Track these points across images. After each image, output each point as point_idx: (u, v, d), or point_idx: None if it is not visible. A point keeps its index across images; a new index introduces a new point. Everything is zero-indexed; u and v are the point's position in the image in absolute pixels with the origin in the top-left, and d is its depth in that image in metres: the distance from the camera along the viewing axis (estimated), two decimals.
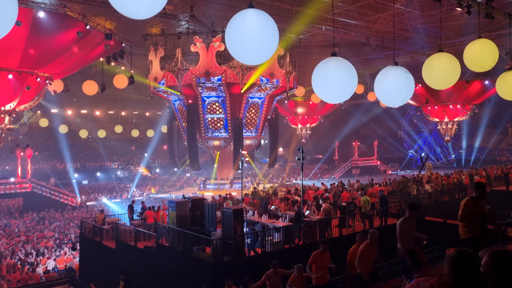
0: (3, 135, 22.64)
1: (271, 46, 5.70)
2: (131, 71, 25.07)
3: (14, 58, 18.76)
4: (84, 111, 54.51)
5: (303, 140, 48.14)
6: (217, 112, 31.32)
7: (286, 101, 42.75)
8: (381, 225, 14.53)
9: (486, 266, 2.35)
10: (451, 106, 37.25)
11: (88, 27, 18.61)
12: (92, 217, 19.75)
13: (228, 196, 19.65)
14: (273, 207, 15.97)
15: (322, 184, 23.88)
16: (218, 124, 31.63)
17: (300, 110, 46.40)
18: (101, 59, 23.79)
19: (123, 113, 57.83)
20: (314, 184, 25.66)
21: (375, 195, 16.87)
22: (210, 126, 31.63)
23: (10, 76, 19.53)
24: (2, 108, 21.09)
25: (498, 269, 2.30)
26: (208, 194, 25.78)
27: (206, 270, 11.26)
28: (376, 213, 15.27)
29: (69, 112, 51.24)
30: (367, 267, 7.06)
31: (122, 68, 29.25)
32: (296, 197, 17.05)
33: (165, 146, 48.68)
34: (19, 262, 18.32)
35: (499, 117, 48.38)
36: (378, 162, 53.45)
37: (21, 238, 22.08)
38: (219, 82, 28.85)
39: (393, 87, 7.69)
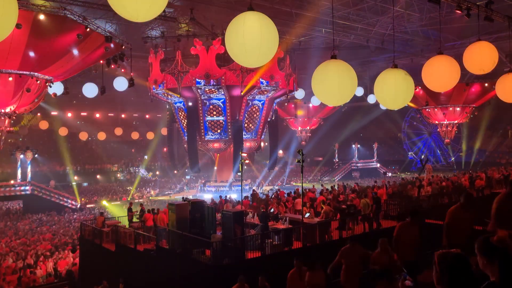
0: (3, 138, 22.59)
1: (271, 48, 5.70)
2: (131, 74, 25.07)
3: (14, 60, 18.72)
4: (84, 114, 54.54)
5: (303, 142, 48.11)
6: (217, 115, 31.33)
7: (286, 104, 42.75)
8: (378, 227, 14.50)
9: (435, 267, 2.39)
10: (450, 109, 37.28)
11: (88, 29, 18.62)
12: (92, 220, 19.73)
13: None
14: (272, 209, 15.92)
15: (322, 186, 23.83)
16: (218, 127, 31.62)
17: (300, 112, 46.39)
18: (101, 61, 23.79)
19: (123, 116, 57.86)
20: (313, 186, 25.59)
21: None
22: (210, 129, 31.62)
23: (10, 79, 19.52)
24: (2, 110, 21.04)
25: (448, 269, 2.34)
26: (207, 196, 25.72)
27: (206, 272, 11.23)
28: (372, 215, 15.18)
29: (69, 114, 51.26)
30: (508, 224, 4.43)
31: (122, 70, 29.26)
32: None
33: (165, 149, 48.65)
34: (20, 264, 18.26)
35: (499, 119, 48.33)
36: (378, 165, 53.45)
37: (21, 241, 22.04)
38: (219, 84, 28.87)
39: (393, 90, 7.68)
